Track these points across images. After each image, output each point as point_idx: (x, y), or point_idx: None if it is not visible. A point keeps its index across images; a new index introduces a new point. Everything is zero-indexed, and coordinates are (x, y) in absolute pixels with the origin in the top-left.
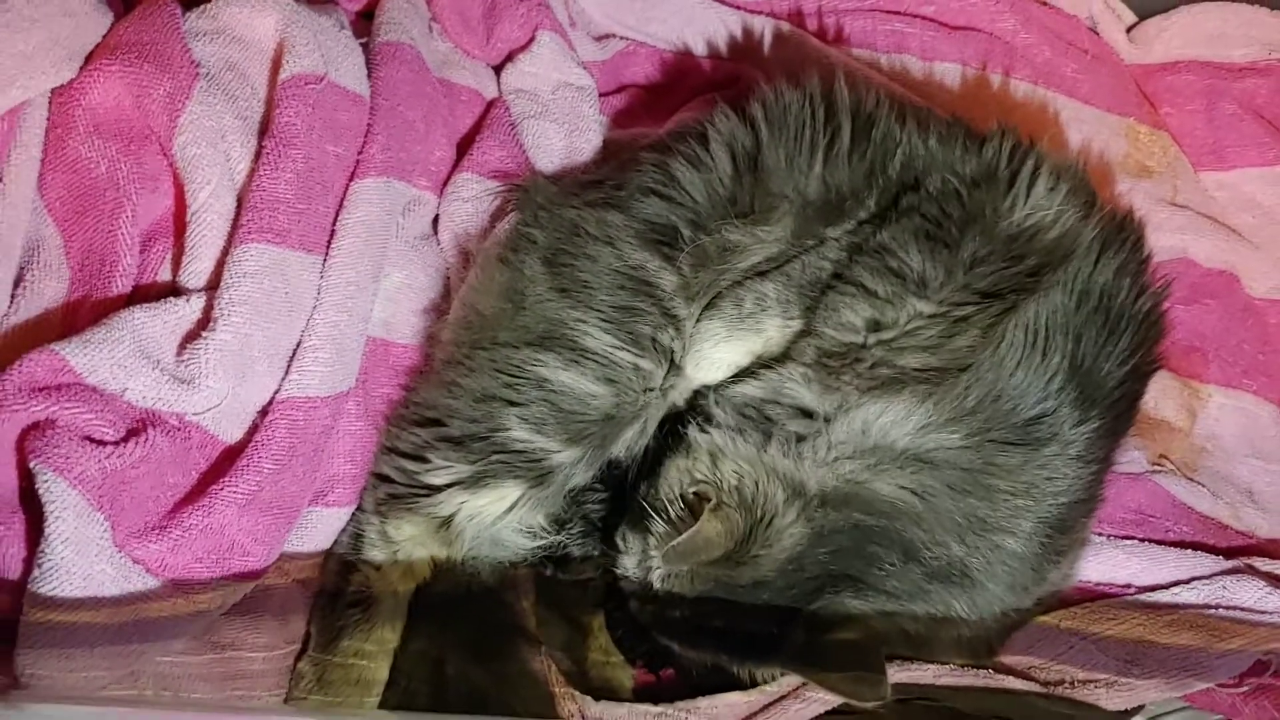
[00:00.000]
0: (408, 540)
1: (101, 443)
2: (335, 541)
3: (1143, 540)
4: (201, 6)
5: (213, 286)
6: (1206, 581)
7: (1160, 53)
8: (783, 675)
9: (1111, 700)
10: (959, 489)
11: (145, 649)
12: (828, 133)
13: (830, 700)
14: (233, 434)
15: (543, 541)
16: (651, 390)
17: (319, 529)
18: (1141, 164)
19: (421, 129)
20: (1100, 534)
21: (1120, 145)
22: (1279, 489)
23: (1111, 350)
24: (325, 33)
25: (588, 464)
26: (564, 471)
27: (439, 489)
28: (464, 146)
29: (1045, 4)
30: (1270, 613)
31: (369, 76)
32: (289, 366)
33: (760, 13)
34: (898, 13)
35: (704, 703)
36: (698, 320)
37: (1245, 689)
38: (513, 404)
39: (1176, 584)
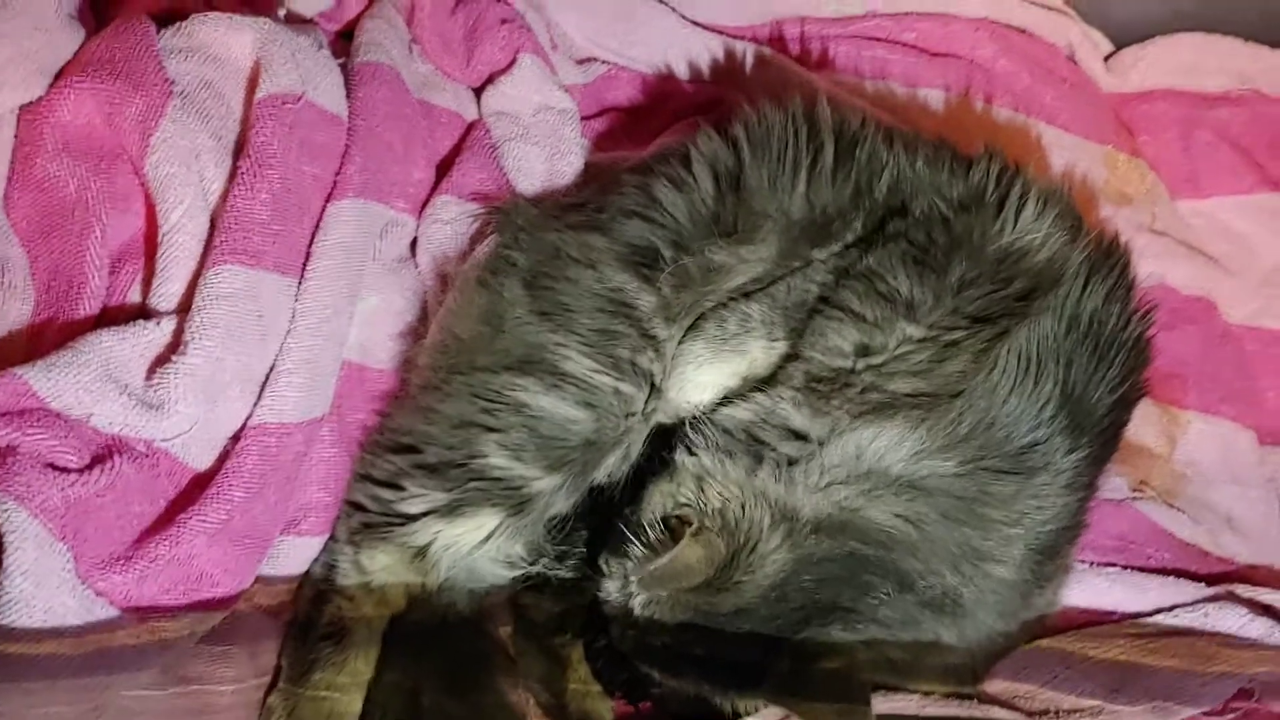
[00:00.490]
0: (382, 570)
1: (65, 470)
2: (308, 571)
3: (1125, 567)
4: (176, 24)
5: (184, 309)
6: (1189, 609)
7: (1136, 82)
8: (766, 706)
9: None
10: (953, 518)
11: (109, 683)
12: (810, 151)
13: None
14: (203, 461)
15: (521, 571)
16: (633, 415)
17: (291, 558)
18: (1120, 191)
19: (400, 150)
20: (1083, 561)
21: (1100, 172)
22: (1257, 515)
23: (1102, 377)
24: (303, 52)
25: (568, 492)
26: (543, 499)
27: (414, 517)
28: (443, 169)
29: (1025, 32)
30: (1252, 639)
31: (347, 97)
32: (262, 391)
33: (743, 38)
34: (880, 39)
35: None
36: (680, 342)
37: (1230, 717)
38: (491, 430)
39: (1159, 611)
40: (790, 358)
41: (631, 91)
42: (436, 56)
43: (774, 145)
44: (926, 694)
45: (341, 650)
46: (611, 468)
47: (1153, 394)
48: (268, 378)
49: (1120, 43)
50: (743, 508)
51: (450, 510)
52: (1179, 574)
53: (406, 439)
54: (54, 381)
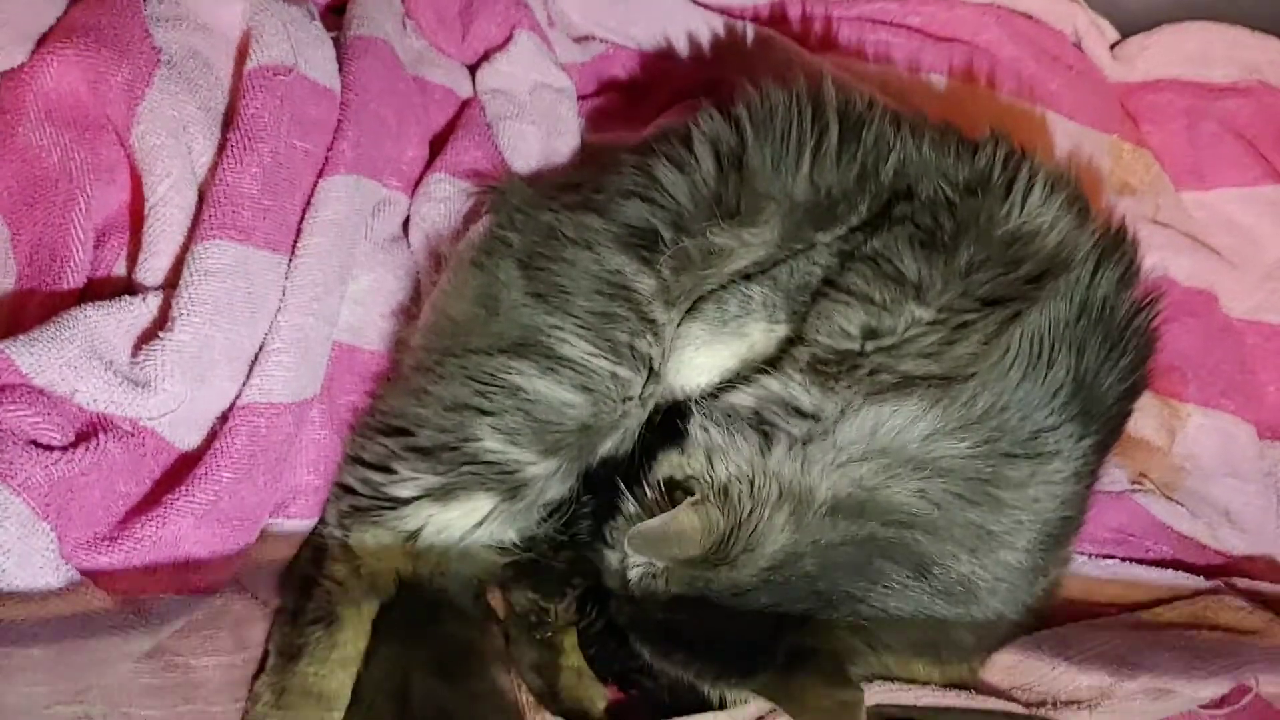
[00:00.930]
0: (372, 555)
1: (49, 448)
2: (297, 554)
3: (1123, 559)
4: None
5: (171, 285)
6: (1187, 602)
7: (1142, 71)
8: (753, 700)
9: None
10: (968, 499)
11: (93, 664)
12: (814, 132)
13: None
14: (190, 440)
15: (514, 558)
16: (631, 399)
17: (280, 542)
18: (1124, 181)
19: (394, 127)
20: (1082, 552)
21: (1104, 162)
22: (1255, 508)
23: (1114, 365)
24: (295, 23)
25: (563, 477)
26: (538, 484)
27: (406, 501)
28: (437, 146)
29: (1031, 18)
30: (1250, 633)
31: (340, 71)
32: (251, 370)
33: (745, 18)
34: (884, 22)
35: None
36: (679, 325)
37: (1227, 711)
38: (485, 413)
39: (1157, 604)
40: (792, 341)
41: (631, 70)
42: (431, 32)
43: (778, 125)
44: (923, 684)
45: (331, 636)
46: (608, 453)
47: (1153, 386)
48: (257, 356)
49: (1127, 30)
50: (751, 484)
51: (442, 494)
52: (1177, 566)
53: (398, 421)
54: (36, 357)
